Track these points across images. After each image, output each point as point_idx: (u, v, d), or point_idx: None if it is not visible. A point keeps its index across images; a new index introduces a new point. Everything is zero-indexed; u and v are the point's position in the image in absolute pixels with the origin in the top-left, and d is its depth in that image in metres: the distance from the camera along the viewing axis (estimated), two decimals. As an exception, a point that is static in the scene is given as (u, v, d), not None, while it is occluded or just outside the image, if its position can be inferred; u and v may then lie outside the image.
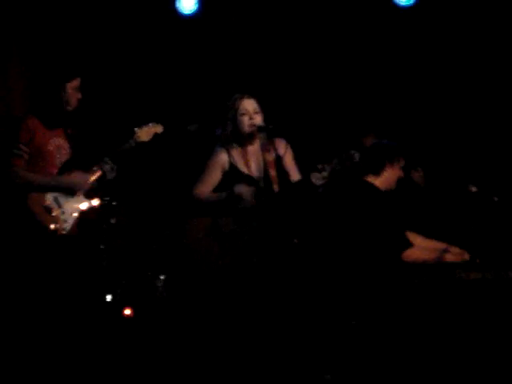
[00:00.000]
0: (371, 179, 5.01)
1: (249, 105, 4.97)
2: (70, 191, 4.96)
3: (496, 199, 5.11)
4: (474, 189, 5.10)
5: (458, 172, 6.07)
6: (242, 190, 4.86)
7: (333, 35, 6.91)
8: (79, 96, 5.04)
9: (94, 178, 5.06)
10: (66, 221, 4.90)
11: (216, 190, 4.97)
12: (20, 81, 5.89)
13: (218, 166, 4.96)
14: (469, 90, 6.86)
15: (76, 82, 5.02)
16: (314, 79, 7.05)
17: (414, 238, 4.95)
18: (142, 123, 5.26)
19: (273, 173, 4.91)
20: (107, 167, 5.06)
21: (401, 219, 4.96)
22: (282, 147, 4.97)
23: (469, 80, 6.85)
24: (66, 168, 5.02)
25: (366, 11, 6.70)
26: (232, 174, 4.93)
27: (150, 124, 5.27)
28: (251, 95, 5.01)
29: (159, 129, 5.30)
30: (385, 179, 5.01)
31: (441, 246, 4.94)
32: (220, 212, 4.88)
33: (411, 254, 4.82)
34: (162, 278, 5.79)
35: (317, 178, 4.68)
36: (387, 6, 6.51)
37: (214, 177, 4.96)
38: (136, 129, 5.22)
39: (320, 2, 6.67)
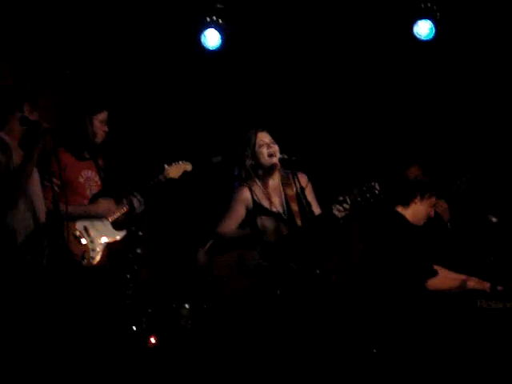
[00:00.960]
0: (401, 210, 5.07)
1: (264, 136, 5.04)
2: (98, 217, 5.05)
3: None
4: (494, 219, 5.13)
5: (479, 202, 6.10)
6: (266, 223, 4.91)
7: (357, 69, 7.03)
8: (106, 129, 5.13)
9: (122, 211, 5.16)
10: (94, 250, 4.99)
11: (239, 226, 5.00)
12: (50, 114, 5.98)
13: (241, 204, 4.98)
14: (490, 122, 6.93)
15: (103, 115, 5.13)
16: (338, 113, 7.16)
17: (437, 269, 4.98)
18: (173, 160, 5.36)
19: (295, 207, 4.94)
20: (136, 201, 5.14)
21: (427, 250, 5.00)
22: (304, 182, 5.00)
23: (490, 111, 6.92)
24: (96, 200, 5.12)
25: (391, 46, 6.80)
26: (256, 211, 4.97)
27: (180, 162, 5.37)
28: (263, 128, 5.09)
29: (189, 167, 5.41)
30: (413, 211, 5.05)
31: (462, 276, 4.97)
32: (245, 247, 4.92)
33: (435, 283, 4.85)
34: (186, 306, 5.83)
35: (338, 210, 4.73)
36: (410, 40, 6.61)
37: (237, 215, 4.99)
38: (166, 166, 5.31)
39: (344, 38, 6.77)
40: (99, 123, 5.10)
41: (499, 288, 4.80)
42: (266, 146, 4.99)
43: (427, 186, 5.10)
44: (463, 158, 6.90)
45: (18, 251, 4.45)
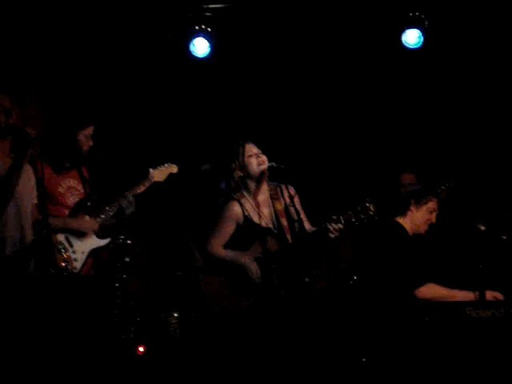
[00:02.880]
0: (400, 220, 5.07)
1: (252, 147, 5.04)
2: (79, 233, 5.01)
3: (505, 238, 5.16)
4: (482, 227, 5.14)
5: (467, 210, 6.12)
6: (254, 269, 4.86)
7: (346, 78, 7.06)
8: (91, 143, 5.09)
9: (104, 216, 5.12)
10: (76, 260, 4.95)
11: (230, 240, 4.98)
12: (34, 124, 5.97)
13: (231, 219, 4.95)
14: (478, 129, 6.97)
15: (89, 130, 5.08)
16: (328, 121, 7.18)
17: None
18: (158, 163, 5.35)
19: (284, 222, 4.93)
20: (125, 202, 5.13)
21: (422, 259, 5.00)
22: (292, 192, 4.93)
23: (479, 118, 6.96)
24: (79, 208, 5.07)
25: (380, 55, 6.83)
26: (246, 226, 4.95)
27: (166, 164, 5.36)
28: (250, 140, 5.08)
29: (174, 169, 5.39)
30: (411, 220, 5.06)
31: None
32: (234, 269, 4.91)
33: (425, 290, 4.86)
34: (175, 315, 5.82)
35: (332, 230, 4.71)
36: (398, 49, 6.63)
37: (228, 230, 4.96)
38: (151, 169, 5.30)
39: (333, 47, 6.79)
40: (84, 137, 5.06)
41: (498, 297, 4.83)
42: (255, 156, 4.99)
43: (419, 192, 5.10)
44: (452, 164, 6.94)
45: (5, 260, 4.43)
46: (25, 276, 4.49)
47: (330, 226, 4.70)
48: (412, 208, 5.05)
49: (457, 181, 5.87)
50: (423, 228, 5.11)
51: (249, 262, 4.87)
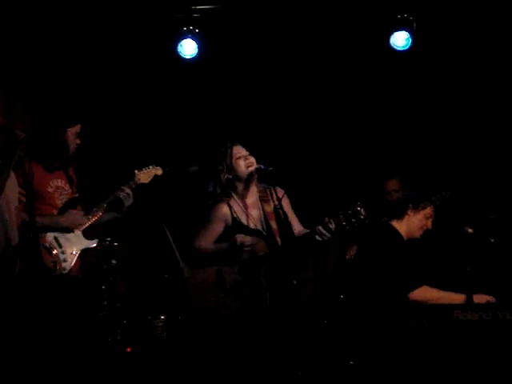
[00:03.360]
0: (395, 224, 5.07)
1: (240, 149, 5.04)
2: (68, 233, 5.01)
3: (492, 240, 5.17)
4: (470, 230, 5.15)
5: (455, 213, 6.13)
6: (244, 240, 4.87)
7: (333, 81, 7.06)
8: (78, 141, 5.11)
9: (96, 217, 5.12)
10: (65, 260, 4.94)
11: (216, 241, 4.99)
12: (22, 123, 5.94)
13: (219, 220, 4.97)
14: (467, 132, 6.98)
15: (77, 128, 5.10)
16: (316, 124, 7.17)
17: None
18: (143, 165, 5.35)
19: (273, 225, 4.93)
20: (123, 194, 5.13)
21: (416, 263, 5.00)
22: (280, 193, 4.95)
23: (467, 121, 6.97)
24: (66, 208, 5.07)
25: (368, 58, 6.83)
26: (234, 228, 4.94)
27: (151, 166, 5.37)
28: (237, 142, 5.09)
29: (159, 171, 5.39)
30: (407, 224, 5.06)
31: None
32: (222, 262, 4.90)
33: (419, 293, 4.85)
34: (162, 317, 5.81)
35: (322, 233, 4.73)
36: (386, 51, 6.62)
37: (216, 230, 4.97)
38: (136, 171, 5.30)
39: (321, 49, 6.78)
40: (72, 136, 5.08)
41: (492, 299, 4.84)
42: (243, 158, 4.99)
43: (420, 197, 5.10)
44: (438, 168, 6.94)
45: None
46: (11, 278, 4.46)
47: (320, 229, 4.70)
48: (409, 212, 5.06)
49: (450, 188, 5.90)
50: (418, 233, 5.11)
51: (238, 237, 4.87)
